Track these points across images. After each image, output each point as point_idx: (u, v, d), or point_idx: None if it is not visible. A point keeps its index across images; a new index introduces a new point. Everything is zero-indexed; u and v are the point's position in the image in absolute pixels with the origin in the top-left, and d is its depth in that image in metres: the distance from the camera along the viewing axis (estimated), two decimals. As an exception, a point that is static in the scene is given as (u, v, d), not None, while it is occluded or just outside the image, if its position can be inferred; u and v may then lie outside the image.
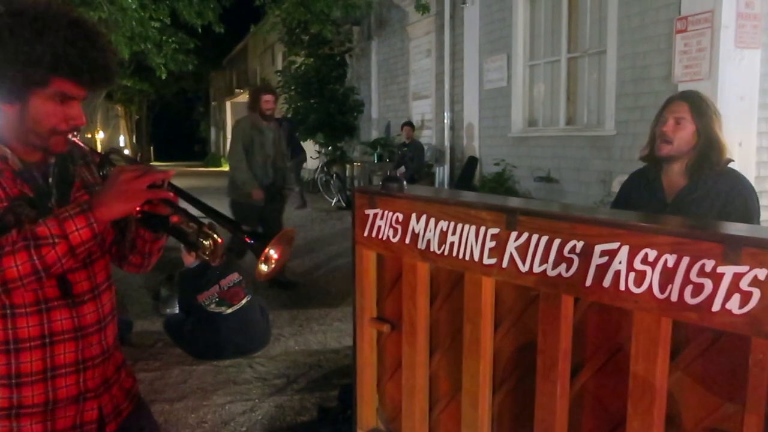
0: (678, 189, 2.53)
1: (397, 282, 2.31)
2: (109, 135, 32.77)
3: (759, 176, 6.19)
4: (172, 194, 1.41)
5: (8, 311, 1.39)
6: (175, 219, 1.48)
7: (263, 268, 1.36)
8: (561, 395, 1.80)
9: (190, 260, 4.57)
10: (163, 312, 5.47)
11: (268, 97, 6.04)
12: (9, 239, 1.29)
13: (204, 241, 1.48)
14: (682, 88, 6.36)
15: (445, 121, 11.32)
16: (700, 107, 2.49)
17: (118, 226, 1.61)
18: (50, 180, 1.48)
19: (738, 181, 2.49)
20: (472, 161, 10.43)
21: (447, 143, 11.33)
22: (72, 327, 1.47)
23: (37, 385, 1.44)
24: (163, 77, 12.03)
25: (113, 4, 9.37)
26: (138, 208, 1.41)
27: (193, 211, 1.47)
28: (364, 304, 2.42)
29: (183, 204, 1.45)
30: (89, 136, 25.03)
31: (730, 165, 2.55)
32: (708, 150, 2.47)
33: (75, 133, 1.46)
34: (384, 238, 2.28)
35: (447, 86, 11.22)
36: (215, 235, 1.48)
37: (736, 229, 1.64)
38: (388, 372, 2.42)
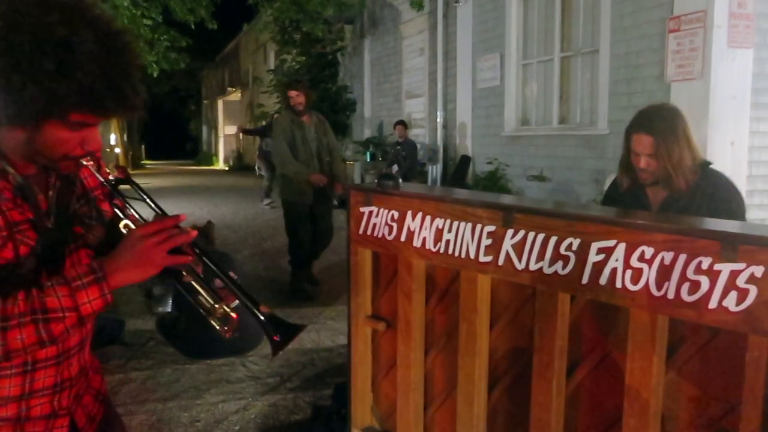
0: (662, 198, 2.53)
1: (392, 280, 2.30)
2: (101, 133, 32.57)
3: (751, 175, 6.23)
4: (192, 258, 1.32)
5: None
6: (188, 278, 1.39)
7: (275, 355, 1.32)
8: (557, 393, 1.79)
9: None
10: (155, 311, 5.44)
11: (291, 93, 5.89)
12: (16, 310, 1.17)
13: (217, 307, 1.38)
14: (674, 87, 6.39)
15: (438, 119, 11.33)
16: (663, 138, 2.42)
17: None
18: (50, 193, 1.37)
19: (719, 184, 2.48)
20: (465, 160, 10.45)
21: (440, 142, 11.34)
22: (56, 353, 1.39)
23: (11, 405, 1.36)
24: (155, 75, 11.99)
25: (105, 2, 9.32)
26: None
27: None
28: (359, 302, 2.42)
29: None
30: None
31: (711, 166, 2.54)
32: (677, 172, 2.44)
33: (88, 158, 1.33)
34: (379, 236, 2.27)
35: (440, 85, 11.23)
36: (227, 308, 1.37)
37: (733, 226, 1.64)
38: (383, 370, 2.41)
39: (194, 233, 1.33)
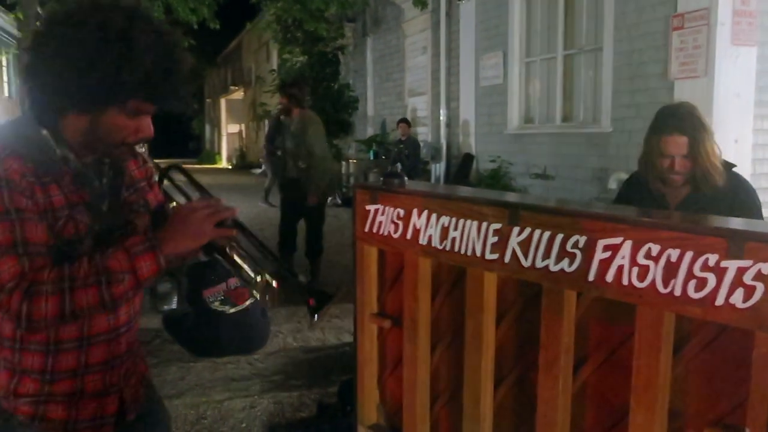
0: (681, 198, 2.48)
1: (398, 278, 2.31)
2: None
3: (755, 173, 6.23)
4: (235, 232, 1.45)
5: None
6: (232, 252, 1.50)
7: (314, 320, 1.44)
8: (563, 390, 1.80)
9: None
10: (160, 309, 5.43)
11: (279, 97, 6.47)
12: (81, 271, 1.31)
13: (257, 279, 1.49)
14: (678, 85, 6.39)
15: (441, 118, 11.33)
16: (696, 137, 2.38)
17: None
18: (104, 181, 1.51)
19: (740, 188, 2.44)
20: (468, 158, 10.45)
21: (443, 140, 11.34)
22: (107, 329, 1.52)
23: (68, 381, 1.49)
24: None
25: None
26: None
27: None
28: (365, 299, 2.42)
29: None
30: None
31: (734, 169, 2.49)
32: (713, 169, 2.41)
33: (141, 145, 1.50)
34: (385, 234, 2.28)
35: (443, 83, 11.23)
36: (269, 277, 1.48)
37: (740, 223, 1.64)
38: (389, 367, 2.42)
39: (237, 209, 1.45)
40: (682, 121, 2.42)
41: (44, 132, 1.39)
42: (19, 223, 1.30)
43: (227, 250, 1.49)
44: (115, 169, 1.53)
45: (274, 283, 1.48)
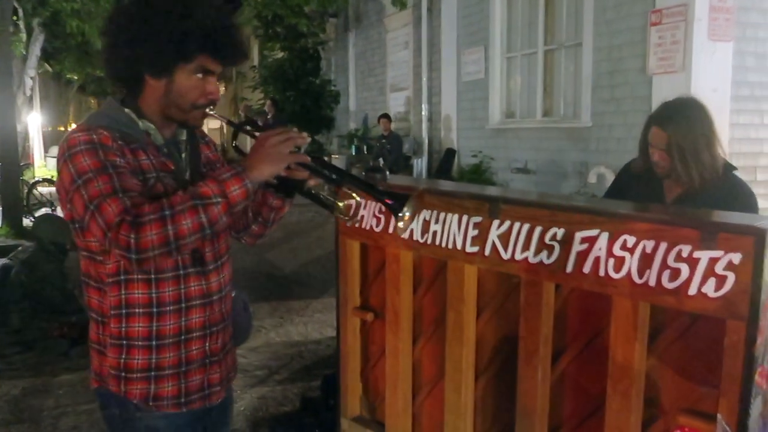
0: (677, 193, 2.47)
1: (380, 271, 2.33)
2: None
3: (731, 167, 6.30)
4: (309, 158, 1.53)
5: (153, 276, 1.53)
6: (312, 183, 1.62)
7: (400, 225, 1.52)
8: (542, 380, 1.84)
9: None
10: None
11: None
12: (178, 198, 1.40)
13: (339, 203, 1.64)
14: (656, 80, 6.46)
15: (423, 113, 11.34)
16: (677, 136, 2.37)
17: None
18: (183, 155, 1.65)
19: (739, 192, 2.41)
20: (450, 153, 10.48)
21: (425, 135, 11.36)
22: (202, 293, 1.61)
23: (173, 347, 1.57)
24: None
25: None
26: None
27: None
28: (348, 293, 2.44)
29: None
30: (62, 129, 24.67)
31: (735, 172, 2.47)
32: (690, 170, 2.37)
33: (211, 108, 1.60)
34: (367, 228, 2.30)
35: (425, 78, 11.23)
36: (346, 201, 1.64)
37: (711, 215, 1.69)
38: (372, 360, 2.44)
39: (308, 138, 1.56)
40: (669, 117, 2.45)
41: (126, 110, 1.56)
42: (116, 175, 1.43)
43: (306, 181, 1.61)
44: (193, 147, 1.68)
45: (353, 204, 1.64)
